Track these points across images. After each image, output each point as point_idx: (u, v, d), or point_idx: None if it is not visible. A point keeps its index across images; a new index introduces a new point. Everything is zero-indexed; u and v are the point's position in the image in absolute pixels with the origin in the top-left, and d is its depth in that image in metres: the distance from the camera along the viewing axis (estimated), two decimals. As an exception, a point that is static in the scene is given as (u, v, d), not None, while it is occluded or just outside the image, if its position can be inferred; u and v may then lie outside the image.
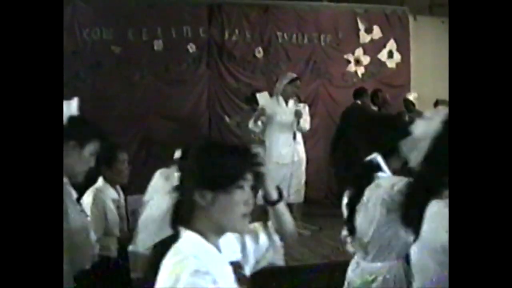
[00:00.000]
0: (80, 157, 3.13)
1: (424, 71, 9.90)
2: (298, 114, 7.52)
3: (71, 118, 3.02)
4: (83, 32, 9.38)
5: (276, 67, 10.39)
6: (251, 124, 7.86)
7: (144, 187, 2.56)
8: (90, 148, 3.19)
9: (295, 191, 7.60)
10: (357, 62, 10.86)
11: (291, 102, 7.73)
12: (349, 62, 10.84)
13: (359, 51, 10.88)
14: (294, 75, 7.91)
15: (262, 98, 7.81)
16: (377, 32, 10.96)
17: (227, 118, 9.17)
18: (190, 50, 9.89)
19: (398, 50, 11.10)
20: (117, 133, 9.43)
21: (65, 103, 3.28)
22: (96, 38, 9.47)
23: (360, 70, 10.86)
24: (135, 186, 9.46)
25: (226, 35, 10.09)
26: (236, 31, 10.14)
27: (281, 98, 7.71)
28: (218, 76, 10.13)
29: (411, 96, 8.97)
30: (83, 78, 9.35)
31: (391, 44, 11.05)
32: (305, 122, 7.72)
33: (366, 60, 10.91)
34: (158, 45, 9.73)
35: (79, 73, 9.31)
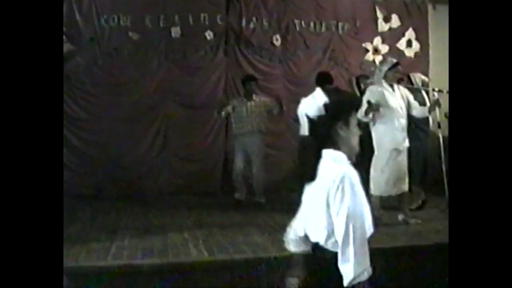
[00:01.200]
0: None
1: (443, 60, 9.75)
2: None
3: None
4: (101, 18, 9.40)
5: (294, 55, 10.37)
6: (360, 115, 7.28)
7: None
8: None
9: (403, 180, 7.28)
10: (375, 51, 10.80)
11: (396, 87, 7.47)
12: (367, 50, 10.79)
13: (377, 40, 10.83)
14: (395, 60, 7.62)
15: (372, 93, 7.47)
16: (395, 21, 10.90)
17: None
18: (208, 38, 9.88)
19: (417, 39, 11.02)
20: (134, 120, 9.49)
21: None
22: (114, 25, 9.50)
23: (378, 59, 10.79)
24: (154, 170, 9.59)
25: (244, 23, 10.07)
26: (254, 18, 10.12)
27: (386, 85, 7.43)
28: (236, 63, 10.11)
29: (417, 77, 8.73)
30: (101, 64, 9.38)
31: (410, 33, 10.98)
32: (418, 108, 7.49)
33: (384, 49, 10.84)
34: (175, 32, 9.73)
35: (97, 60, 9.36)
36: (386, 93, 7.19)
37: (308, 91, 7.81)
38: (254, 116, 8.58)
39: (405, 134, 7.25)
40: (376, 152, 7.23)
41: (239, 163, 8.60)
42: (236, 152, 8.71)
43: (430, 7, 11.20)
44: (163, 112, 9.76)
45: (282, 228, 3.33)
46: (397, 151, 7.13)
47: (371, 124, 7.23)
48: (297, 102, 8.21)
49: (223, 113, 8.70)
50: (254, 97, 8.71)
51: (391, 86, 7.32)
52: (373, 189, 7.04)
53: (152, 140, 9.70)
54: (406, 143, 7.25)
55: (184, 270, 5.30)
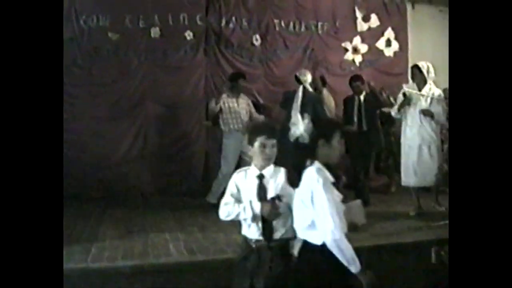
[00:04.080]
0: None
1: (422, 59, 9.83)
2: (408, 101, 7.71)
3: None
4: (80, 19, 9.35)
5: (274, 55, 10.40)
6: (394, 112, 7.81)
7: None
8: None
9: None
10: (355, 50, 10.86)
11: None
12: (346, 50, 10.85)
13: (356, 39, 10.88)
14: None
15: (410, 88, 7.71)
16: (375, 21, 10.97)
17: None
18: (188, 38, 9.87)
19: (396, 38, 11.11)
20: (114, 120, 9.45)
21: None
22: (93, 25, 9.45)
23: (358, 59, 10.87)
24: (135, 170, 9.54)
25: (224, 23, 10.08)
26: (234, 18, 10.12)
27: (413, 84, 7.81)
28: (216, 63, 10.11)
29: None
30: (81, 64, 9.34)
31: (389, 33, 11.06)
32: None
33: (363, 48, 10.91)
34: (155, 32, 9.71)
35: (77, 60, 9.31)
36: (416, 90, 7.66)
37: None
38: (244, 113, 8.54)
39: (424, 130, 7.58)
40: (402, 148, 7.78)
41: (230, 165, 8.28)
42: (227, 153, 8.54)
43: (409, 7, 11.30)
44: (144, 112, 9.73)
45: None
46: (420, 146, 7.54)
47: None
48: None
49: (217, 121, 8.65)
50: (241, 94, 8.68)
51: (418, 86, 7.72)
52: (403, 181, 7.78)
53: (133, 140, 9.67)
54: (430, 139, 7.56)
55: (165, 271, 5.29)
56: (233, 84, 8.62)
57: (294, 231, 3.77)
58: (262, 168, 3.90)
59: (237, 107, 8.50)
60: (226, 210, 3.95)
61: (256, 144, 3.86)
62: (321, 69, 10.61)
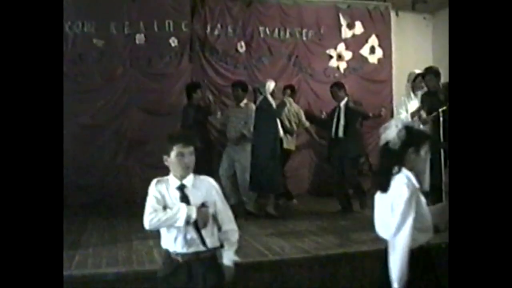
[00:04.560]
0: None
1: (406, 66, 9.92)
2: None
3: None
4: (65, 25, 9.30)
5: (258, 61, 10.43)
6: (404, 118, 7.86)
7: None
8: None
9: None
10: (339, 57, 10.90)
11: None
12: (331, 57, 10.89)
13: (341, 46, 10.93)
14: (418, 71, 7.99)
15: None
16: (359, 28, 11.02)
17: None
18: (172, 44, 9.88)
19: (380, 45, 11.17)
20: (99, 127, 9.42)
21: None
22: (78, 32, 9.44)
23: (342, 65, 10.91)
24: (119, 177, 9.51)
25: (209, 29, 10.11)
26: (219, 25, 10.16)
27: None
28: (201, 70, 10.13)
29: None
30: (65, 71, 9.26)
31: (373, 40, 11.12)
32: None
33: (348, 55, 10.96)
34: (140, 39, 9.71)
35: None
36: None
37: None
38: (243, 122, 8.67)
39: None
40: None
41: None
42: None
43: (393, 14, 11.36)
44: (128, 119, 9.71)
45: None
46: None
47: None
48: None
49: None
50: (242, 102, 8.76)
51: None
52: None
53: (117, 147, 9.64)
54: None
55: (149, 278, 5.27)
56: (233, 93, 8.90)
57: (219, 240, 3.74)
58: (182, 177, 3.72)
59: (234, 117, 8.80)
60: (156, 217, 3.62)
61: (173, 153, 3.68)
62: (306, 75, 10.66)
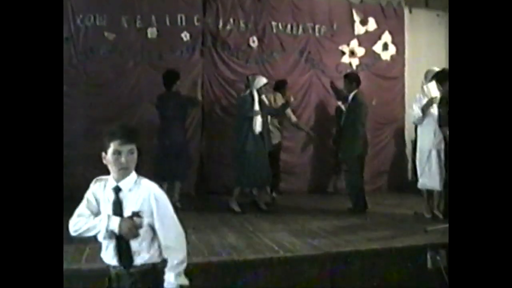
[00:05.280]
0: None
1: (419, 63, 9.88)
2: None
3: None
4: (76, 18, 9.33)
5: (270, 57, 10.38)
6: (417, 115, 7.77)
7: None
8: None
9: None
10: (352, 53, 10.84)
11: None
12: (343, 53, 10.83)
13: (354, 43, 10.87)
14: (436, 69, 7.89)
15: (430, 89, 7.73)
16: (372, 24, 10.95)
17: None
18: (184, 39, 9.86)
19: (393, 42, 11.10)
20: (109, 121, 9.41)
21: None
22: (90, 25, 9.43)
23: (355, 62, 10.85)
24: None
25: (221, 24, 10.07)
26: (231, 20, 10.12)
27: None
28: (212, 64, 10.10)
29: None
30: (76, 64, 9.31)
31: (386, 36, 11.05)
32: None
33: (360, 51, 10.90)
34: (152, 32, 9.69)
35: (72, 60, 9.27)
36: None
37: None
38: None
39: (436, 134, 7.60)
40: (417, 152, 7.93)
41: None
42: None
43: (406, 11, 11.29)
44: (139, 113, 9.68)
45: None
46: (431, 151, 7.58)
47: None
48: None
49: None
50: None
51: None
52: (419, 183, 7.78)
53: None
54: (440, 143, 7.57)
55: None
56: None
57: (161, 256, 3.32)
58: (118, 179, 3.34)
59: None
60: (77, 225, 3.32)
61: (110, 151, 3.32)
62: (318, 71, 10.61)
